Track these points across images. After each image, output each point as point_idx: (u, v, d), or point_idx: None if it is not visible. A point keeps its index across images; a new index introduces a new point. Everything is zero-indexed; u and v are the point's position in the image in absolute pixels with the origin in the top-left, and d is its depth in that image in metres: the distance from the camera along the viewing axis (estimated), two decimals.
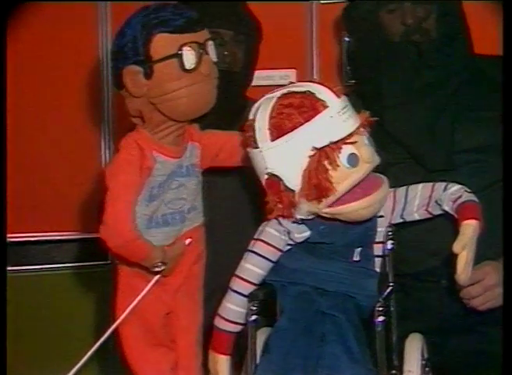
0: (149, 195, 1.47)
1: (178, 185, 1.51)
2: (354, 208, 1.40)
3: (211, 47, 1.48)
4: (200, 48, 1.44)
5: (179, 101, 1.45)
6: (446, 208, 1.46)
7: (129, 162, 1.45)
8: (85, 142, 2.51)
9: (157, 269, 1.47)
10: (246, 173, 1.50)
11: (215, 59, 1.49)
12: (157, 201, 1.48)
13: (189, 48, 1.43)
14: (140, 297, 1.48)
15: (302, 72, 2.37)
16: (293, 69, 2.36)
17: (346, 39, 2.32)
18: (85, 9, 2.46)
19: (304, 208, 1.41)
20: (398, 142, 1.74)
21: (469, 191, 1.47)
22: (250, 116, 1.45)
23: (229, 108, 1.67)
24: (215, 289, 1.54)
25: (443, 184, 1.49)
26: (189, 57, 1.43)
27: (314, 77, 2.37)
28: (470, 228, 1.41)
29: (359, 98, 1.78)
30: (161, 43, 1.43)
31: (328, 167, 1.37)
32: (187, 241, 1.51)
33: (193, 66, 1.43)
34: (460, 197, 1.45)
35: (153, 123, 1.48)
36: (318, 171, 1.37)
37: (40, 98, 2.46)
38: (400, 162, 1.74)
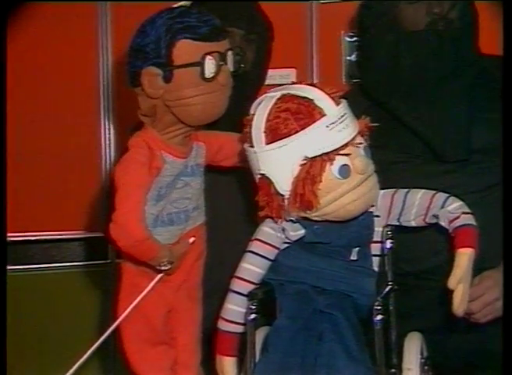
0: (157, 195, 1.48)
1: (183, 185, 1.52)
2: (339, 206, 1.40)
3: (230, 57, 1.49)
4: (221, 58, 1.46)
5: (194, 108, 1.46)
6: (443, 224, 1.46)
7: (139, 161, 1.46)
8: (85, 142, 2.52)
9: (163, 268, 1.47)
10: (246, 172, 1.50)
11: (232, 69, 1.50)
12: (164, 200, 1.49)
13: (211, 58, 1.44)
14: (142, 295, 1.48)
15: (302, 71, 2.37)
16: (293, 69, 2.37)
17: (347, 39, 2.33)
18: (85, 9, 2.46)
19: (293, 212, 1.42)
20: (411, 131, 1.72)
21: (467, 211, 1.46)
22: (251, 112, 1.45)
23: (239, 108, 1.66)
24: (215, 287, 1.54)
25: (442, 198, 1.47)
26: (210, 66, 1.44)
27: (314, 77, 2.38)
28: (465, 258, 1.41)
29: (362, 95, 1.78)
30: (185, 49, 1.44)
31: (317, 178, 1.37)
32: (191, 240, 1.52)
33: (212, 76, 1.45)
34: (457, 218, 1.45)
35: (163, 123, 1.49)
36: (305, 182, 1.37)
37: (40, 97, 2.46)
38: (402, 161, 1.73)
